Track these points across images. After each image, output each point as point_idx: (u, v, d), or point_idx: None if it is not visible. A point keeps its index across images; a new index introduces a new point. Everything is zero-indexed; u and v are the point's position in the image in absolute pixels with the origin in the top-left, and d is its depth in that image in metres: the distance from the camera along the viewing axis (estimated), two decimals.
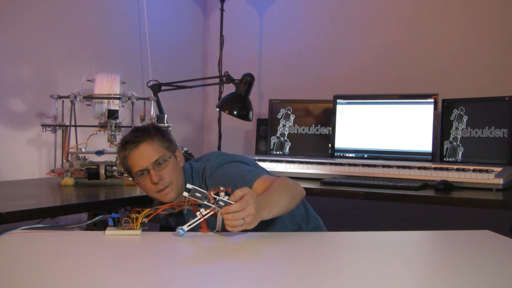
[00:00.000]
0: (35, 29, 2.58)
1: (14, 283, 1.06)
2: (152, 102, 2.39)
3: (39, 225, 1.50)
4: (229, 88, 2.76)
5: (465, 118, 2.46)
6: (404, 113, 2.55)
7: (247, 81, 2.55)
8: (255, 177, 1.68)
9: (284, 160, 2.56)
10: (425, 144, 2.48)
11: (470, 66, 2.81)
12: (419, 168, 2.26)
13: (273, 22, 3.41)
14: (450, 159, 2.48)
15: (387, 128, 2.58)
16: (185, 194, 1.40)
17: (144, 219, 1.45)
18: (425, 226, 2.87)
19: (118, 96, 2.32)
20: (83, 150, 2.33)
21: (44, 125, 2.33)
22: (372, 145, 2.61)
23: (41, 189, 2.25)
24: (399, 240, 1.53)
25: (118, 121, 2.32)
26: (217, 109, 2.80)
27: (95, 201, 1.93)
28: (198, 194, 1.39)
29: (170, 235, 1.46)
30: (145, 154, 1.69)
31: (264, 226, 1.58)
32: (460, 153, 2.46)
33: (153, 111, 2.39)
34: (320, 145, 2.83)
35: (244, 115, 2.57)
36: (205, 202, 1.38)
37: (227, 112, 2.57)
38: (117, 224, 1.47)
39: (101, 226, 2.11)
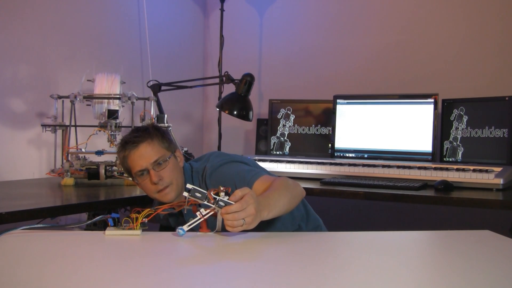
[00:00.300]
0: (35, 29, 2.58)
1: (14, 283, 1.06)
2: (152, 102, 2.39)
3: (39, 225, 1.50)
4: (229, 88, 2.76)
5: (465, 118, 2.46)
6: (404, 113, 2.55)
7: (247, 81, 2.55)
8: (255, 177, 1.68)
9: (284, 160, 2.56)
10: (425, 144, 2.48)
11: (470, 66, 2.81)
12: (419, 168, 2.26)
13: (273, 22, 3.41)
14: (450, 159, 2.48)
15: (387, 128, 2.58)
16: (185, 194, 1.40)
17: (144, 219, 1.45)
18: (425, 226, 2.87)
19: (118, 96, 2.32)
20: (83, 150, 2.33)
21: (44, 125, 2.33)
22: (372, 145, 2.61)
23: (41, 189, 2.25)
24: (399, 240, 1.53)
25: (118, 121, 2.32)
26: (217, 109, 2.80)
27: (95, 201, 1.93)
28: (198, 194, 1.39)
29: (170, 235, 1.46)
30: (145, 154, 1.69)
31: (264, 226, 1.58)
32: (460, 153, 2.46)
33: (153, 111, 2.39)
34: (320, 145, 2.83)
35: (244, 115, 2.57)
36: (205, 202, 1.38)
37: (227, 112, 2.57)
38: (117, 224, 1.47)
39: (101, 226, 2.11)
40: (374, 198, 2.12)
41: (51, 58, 2.67)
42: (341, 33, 3.18)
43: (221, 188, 1.39)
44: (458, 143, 2.47)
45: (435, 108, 2.47)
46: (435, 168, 2.23)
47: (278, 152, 2.92)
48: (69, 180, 2.25)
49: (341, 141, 2.68)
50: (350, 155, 2.65)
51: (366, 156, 2.60)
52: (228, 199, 1.36)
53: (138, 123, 2.34)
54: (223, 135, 3.25)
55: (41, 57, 2.62)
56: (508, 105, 2.33)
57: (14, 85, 2.52)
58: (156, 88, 2.62)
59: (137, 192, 2.10)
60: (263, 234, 1.49)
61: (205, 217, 1.42)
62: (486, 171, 2.13)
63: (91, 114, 2.38)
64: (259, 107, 3.40)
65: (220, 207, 1.36)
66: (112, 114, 2.30)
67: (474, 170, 2.15)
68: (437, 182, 2.12)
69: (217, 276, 1.13)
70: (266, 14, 3.42)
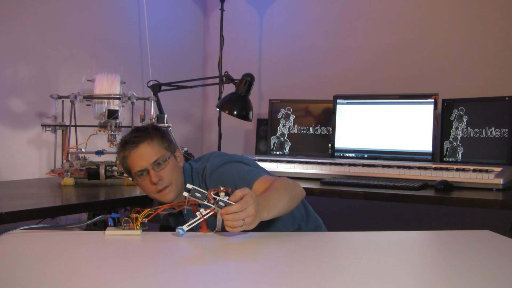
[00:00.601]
0: (35, 29, 2.58)
1: (14, 283, 1.06)
2: (152, 102, 2.39)
3: (39, 225, 1.50)
4: (229, 88, 2.76)
5: (465, 118, 2.46)
6: (404, 113, 2.55)
7: (247, 81, 2.55)
8: (255, 177, 1.68)
9: (284, 160, 2.56)
10: (425, 144, 2.47)
11: (470, 66, 2.81)
12: (419, 168, 2.26)
13: (273, 22, 3.41)
14: (450, 159, 2.48)
15: (387, 128, 2.58)
16: (185, 194, 1.40)
17: (144, 219, 1.45)
18: (425, 226, 2.87)
19: (118, 96, 2.32)
20: (83, 150, 2.33)
21: (44, 125, 2.33)
22: (372, 145, 2.61)
23: (41, 189, 2.25)
24: (399, 240, 1.53)
25: (118, 121, 2.32)
26: (217, 109, 2.80)
27: (95, 201, 1.93)
28: (198, 194, 1.39)
29: (170, 235, 1.46)
30: (145, 155, 1.69)
31: (264, 226, 1.58)
32: (460, 153, 2.46)
33: (153, 111, 2.39)
34: (320, 145, 2.83)
35: (244, 115, 2.57)
36: (205, 202, 1.38)
37: (227, 112, 2.57)
38: (117, 224, 1.47)
39: (101, 226, 2.11)
40: (374, 198, 2.12)
41: (51, 58, 2.67)
42: (341, 33, 3.18)
43: (221, 188, 1.39)
44: (458, 143, 2.47)
45: (435, 108, 2.47)
46: (435, 168, 2.23)
47: (278, 152, 2.92)
48: (69, 180, 2.25)
49: (341, 141, 2.68)
50: (350, 155, 2.65)
51: (366, 156, 2.60)
52: (228, 199, 1.36)
53: (138, 123, 2.34)
54: (223, 135, 3.25)
55: (41, 57, 2.62)
56: (508, 105, 2.33)
57: (14, 85, 2.52)
58: (156, 88, 2.62)
59: (137, 192, 2.10)
60: (263, 234, 1.49)
61: (205, 217, 1.42)
62: (486, 171, 2.13)
63: (91, 114, 2.38)
64: (259, 107, 3.40)
65: (220, 207, 1.36)
66: (112, 114, 2.30)
67: (474, 170, 2.15)
68: (437, 182, 2.12)
69: (217, 276, 1.13)
70: (266, 14, 3.42)
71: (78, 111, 2.39)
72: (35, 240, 1.40)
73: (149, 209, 1.46)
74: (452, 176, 2.16)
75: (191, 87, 2.79)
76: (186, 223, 1.43)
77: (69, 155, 2.30)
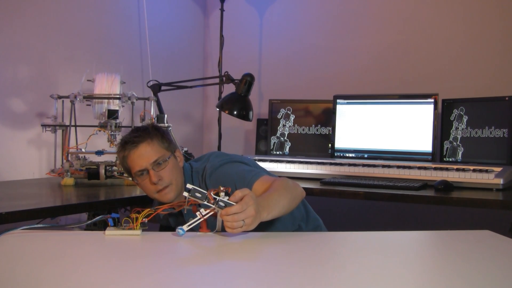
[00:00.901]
0: (35, 29, 2.58)
1: (14, 283, 1.06)
2: (152, 102, 2.39)
3: (39, 225, 1.50)
4: (229, 88, 2.76)
5: (465, 118, 2.46)
6: (404, 113, 2.55)
7: (247, 81, 2.55)
8: (255, 177, 1.68)
9: (284, 160, 2.56)
10: (425, 144, 2.47)
11: (470, 66, 2.81)
12: (419, 168, 2.26)
13: (273, 22, 3.41)
14: (450, 159, 2.48)
15: (387, 128, 2.58)
16: (185, 194, 1.40)
17: (144, 219, 1.45)
18: (425, 226, 2.87)
19: (118, 96, 2.32)
20: (83, 150, 2.33)
21: (44, 125, 2.33)
22: (372, 145, 2.61)
23: (41, 189, 2.25)
24: (399, 240, 1.53)
25: (118, 121, 2.32)
26: (217, 109, 2.80)
27: (95, 201, 1.93)
28: (198, 194, 1.39)
29: (170, 235, 1.46)
30: (145, 155, 1.69)
31: (264, 226, 1.58)
32: (460, 153, 2.46)
33: (153, 111, 2.39)
34: (320, 145, 2.83)
35: (244, 115, 2.57)
36: (205, 202, 1.38)
37: (227, 112, 2.57)
38: (117, 224, 1.47)
39: (101, 226, 2.11)
40: (374, 198, 2.12)
41: (51, 58, 2.67)
42: (341, 33, 3.18)
43: (221, 188, 1.39)
44: (458, 143, 2.47)
45: (435, 108, 2.47)
46: (435, 168, 2.23)
47: (278, 152, 2.92)
48: (69, 180, 2.25)
49: (341, 141, 2.68)
50: (350, 155, 2.65)
51: (366, 156, 2.60)
52: (228, 200, 1.36)
53: (138, 123, 2.34)
54: (223, 135, 3.25)
55: (41, 57, 2.62)
56: (508, 105, 2.33)
57: (14, 85, 2.52)
58: (156, 88, 2.62)
59: (137, 192, 2.10)
60: (263, 234, 1.49)
61: (205, 217, 1.42)
62: (486, 171, 2.13)
63: (91, 114, 2.38)
64: (259, 107, 3.40)
65: (220, 207, 1.36)
66: (112, 114, 2.30)
67: (474, 170, 2.15)
68: (437, 182, 2.12)
69: (217, 276, 1.13)
70: (266, 14, 3.42)
71: (78, 111, 2.39)
72: (35, 240, 1.40)
73: (149, 209, 1.46)
74: (452, 176, 2.16)
75: (191, 87, 2.79)
76: (186, 223, 1.43)
77: (69, 155, 2.30)
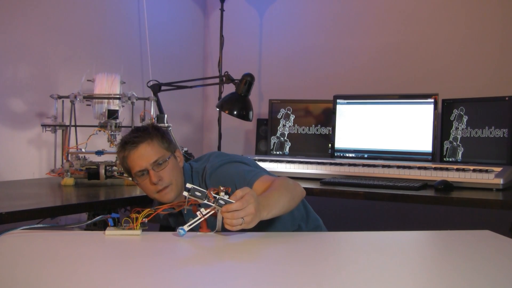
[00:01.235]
0: (35, 29, 2.58)
1: (14, 283, 1.06)
2: (152, 102, 2.39)
3: (39, 225, 1.50)
4: (229, 88, 2.76)
5: (465, 118, 2.46)
6: (404, 113, 2.55)
7: (247, 81, 2.55)
8: (255, 177, 1.68)
9: (284, 160, 2.56)
10: (425, 144, 2.47)
11: (470, 66, 2.81)
12: (419, 168, 2.26)
13: (273, 22, 3.41)
14: (450, 159, 2.48)
15: (387, 128, 2.58)
16: (185, 193, 1.40)
17: (144, 219, 1.45)
18: (425, 226, 2.87)
19: (118, 96, 2.32)
20: (83, 150, 2.33)
21: (44, 125, 2.33)
22: (372, 145, 2.61)
23: (41, 189, 2.25)
24: (399, 240, 1.53)
25: (118, 121, 2.32)
26: (217, 109, 2.80)
27: (95, 201, 1.93)
28: (198, 193, 1.39)
29: (170, 235, 1.46)
30: (145, 155, 1.69)
31: (264, 226, 1.58)
32: (460, 153, 2.46)
33: (153, 111, 2.39)
34: (320, 145, 2.83)
35: (244, 115, 2.57)
36: (205, 201, 1.38)
37: (227, 112, 2.57)
38: (117, 224, 1.47)
39: (101, 226, 2.11)
40: (374, 198, 2.12)
41: (51, 58, 2.67)
42: (341, 33, 3.18)
43: (221, 188, 1.39)
44: (458, 143, 2.47)
45: (435, 108, 2.47)
46: (435, 168, 2.23)
47: (278, 152, 2.92)
48: (69, 180, 2.25)
49: (341, 141, 2.68)
50: (350, 155, 2.65)
51: (366, 156, 2.60)
52: (228, 199, 1.36)
53: (138, 123, 2.34)
54: (223, 135, 3.25)
55: (41, 57, 2.62)
56: (508, 105, 2.33)
57: (14, 85, 2.52)
58: (156, 88, 2.62)
59: (137, 192, 2.10)
60: (263, 234, 1.49)
61: (205, 216, 1.42)
62: (486, 171, 2.13)
63: (91, 114, 2.38)
64: (259, 107, 3.40)
65: (220, 206, 1.36)
66: (112, 114, 2.30)
67: (474, 170, 2.15)
68: (437, 182, 2.12)
69: (217, 276, 1.13)
70: (266, 14, 3.42)
71: (78, 111, 2.39)
72: (35, 240, 1.40)
73: (149, 209, 1.46)
74: (452, 176, 2.16)
75: (191, 87, 2.79)
76: (186, 223, 1.43)
77: (69, 155, 2.30)
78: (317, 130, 2.86)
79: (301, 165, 2.49)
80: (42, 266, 1.18)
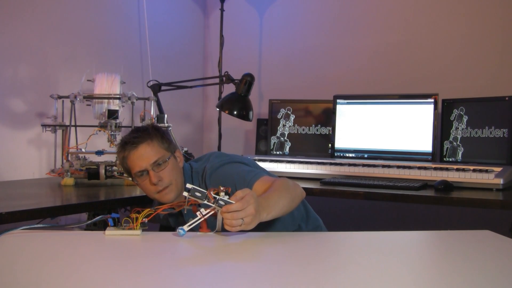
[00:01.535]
0: (35, 29, 2.58)
1: (14, 283, 1.06)
2: (152, 102, 2.39)
3: (39, 225, 1.50)
4: (229, 88, 2.76)
5: (465, 118, 2.46)
6: (404, 113, 2.55)
7: (247, 81, 2.55)
8: (255, 178, 1.68)
9: (284, 160, 2.56)
10: (425, 144, 2.47)
11: (470, 66, 2.81)
12: (419, 168, 2.26)
13: (273, 22, 3.41)
14: (450, 159, 2.48)
15: (387, 128, 2.58)
16: (185, 194, 1.40)
17: (144, 219, 1.45)
18: (425, 226, 2.87)
19: (118, 96, 2.32)
20: (83, 150, 2.33)
21: (44, 125, 2.33)
22: (372, 145, 2.61)
23: (41, 189, 2.25)
24: (399, 240, 1.53)
25: (118, 121, 2.32)
26: (217, 109, 2.80)
27: (95, 201, 1.93)
28: (198, 194, 1.39)
29: (170, 235, 1.46)
30: (144, 155, 1.69)
31: (264, 226, 1.58)
32: (460, 153, 2.46)
33: (153, 111, 2.39)
34: (320, 145, 2.83)
35: (244, 115, 2.57)
36: (205, 202, 1.38)
37: (227, 112, 2.57)
38: (117, 224, 1.47)
39: (101, 226, 2.11)
40: (374, 198, 2.12)
41: (51, 58, 2.67)
42: (341, 33, 3.18)
43: (221, 188, 1.39)
44: (458, 143, 2.47)
45: (435, 108, 2.47)
46: (435, 168, 2.23)
47: (278, 152, 2.92)
48: (69, 180, 2.25)
49: (341, 141, 2.68)
50: (350, 155, 2.65)
51: (366, 156, 2.60)
52: (228, 199, 1.36)
53: (138, 123, 2.34)
54: (223, 135, 3.25)
55: (41, 57, 2.62)
56: (508, 105, 2.33)
57: (14, 85, 2.52)
58: (156, 88, 2.62)
59: (137, 192, 2.10)
60: (263, 234, 1.49)
61: (205, 217, 1.42)
62: (486, 171, 2.13)
63: (91, 114, 2.38)
64: (259, 107, 3.40)
65: (220, 206, 1.36)
66: (112, 114, 2.30)
67: (474, 170, 2.15)
68: (437, 182, 2.12)
69: (217, 276, 1.13)
70: (266, 14, 3.42)
71: (78, 111, 2.39)
72: (35, 240, 1.40)
73: (149, 209, 1.46)
74: (452, 176, 2.16)
75: (191, 87, 2.79)
76: (186, 223, 1.43)
77: (69, 155, 2.30)
78: (317, 130, 2.86)
79: (301, 165, 2.49)
80: (42, 266, 1.18)
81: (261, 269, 1.17)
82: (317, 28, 3.26)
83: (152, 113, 2.37)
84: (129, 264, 1.21)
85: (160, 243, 1.41)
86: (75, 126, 2.37)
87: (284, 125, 2.92)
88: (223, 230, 1.40)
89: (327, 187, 2.21)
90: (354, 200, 2.58)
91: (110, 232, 1.44)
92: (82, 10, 2.81)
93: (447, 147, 2.50)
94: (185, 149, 2.57)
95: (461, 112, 2.47)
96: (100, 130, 2.32)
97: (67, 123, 2.35)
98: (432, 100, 2.48)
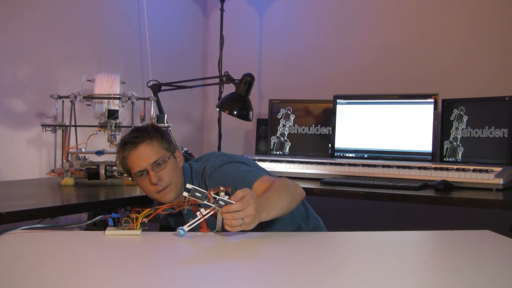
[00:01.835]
0: (35, 29, 2.58)
1: (14, 283, 1.06)
2: (152, 102, 2.39)
3: (39, 225, 1.50)
4: (229, 88, 2.76)
5: (465, 118, 2.46)
6: (404, 113, 2.55)
7: (247, 81, 2.55)
8: (255, 178, 1.68)
9: (284, 160, 2.56)
10: (425, 144, 2.47)
11: (470, 66, 2.81)
12: (419, 168, 2.26)
13: (273, 22, 3.41)
14: (450, 159, 2.48)
15: (387, 128, 2.58)
16: (185, 194, 1.40)
17: (144, 219, 1.45)
18: (425, 226, 2.87)
19: (118, 96, 2.32)
20: (83, 150, 2.33)
21: (44, 125, 2.33)
22: (372, 145, 2.61)
23: (41, 189, 2.25)
24: (399, 240, 1.53)
25: (118, 121, 2.32)
26: (217, 109, 2.80)
27: (95, 201, 1.93)
28: (198, 194, 1.39)
29: (170, 235, 1.46)
30: (144, 155, 1.69)
31: (264, 226, 1.58)
32: (460, 153, 2.46)
33: (153, 111, 2.39)
34: (320, 145, 2.83)
35: (244, 115, 2.57)
36: (205, 202, 1.38)
37: (227, 112, 2.57)
38: (117, 224, 1.47)
39: (101, 226, 2.11)
40: (374, 198, 2.12)
41: (51, 58, 2.67)
42: (341, 33, 3.18)
43: (221, 188, 1.39)
44: (458, 143, 2.47)
45: (435, 108, 2.47)
46: (435, 168, 2.23)
47: (278, 152, 2.92)
48: (69, 180, 2.25)
49: (341, 141, 2.68)
50: (350, 155, 2.65)
51: (366, 156, 2.60)
52: (228, 199, 1.36)
53: (138, 123, 2.34)
54: (223, 135, 3.25)
55: (41, 57, 2.62)
56: (508, 105, 2.33)
57: (14, 85, 2.52)
58: (156, 88, 2.62)
59: (137, 192, 2.10)
60: (263, 234, 1.49)
61: (205, 217, 1.42)
62: (486, 171, 2.13)
63: (91, 114, 2.38)
64: (259, 107, 3.40)
65: (220, 206, 1.36)
66: (112, 114, 2.30)
67: (474, 170, 2.15)
68: (437, 182, 2.12)
69: (217, 276, 1.13)
70: (266, 14, 3.42)
71: (78, 111, 2.39)
72: (35, 240, 1.40)
73: (149, 209, 1.46)
74: (452, 176, 2.16)
75: (191, 87, 2.79)
76: (186, 223, 1.43)
77: (69, 155, 2.30)
78: (317, 130, 2.86)
79: (301, 165, 2.49)
80: (42, 266, 1.18)
81: (261, 269, 1.17)
82: (317, 28, 3.26)
83: (152, 113, 2.37)
84: (129, 264, 1.21)
85: (160, 243, 1.41)
86: (75, 126, 2.37)
87: (284, 125, 2.92)
88: (223, 230, 1.40)
89: (327, 187, 2.21)
90: (354, 200, 2.58)
91: (110, 232, 1.44)
92: (82, 10, 2.81)
93: (447, 147, 2.50)
94: (185, 149, 2.57)
95: (461, 112, 2.47)
96: (100, 130, 2.32)
97: (67, 123, 2.35)
98: (432, 100, 2.48)
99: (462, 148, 2.45)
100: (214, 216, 1.42)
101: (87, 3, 2.84)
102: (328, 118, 2.81)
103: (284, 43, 3.37)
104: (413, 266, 1.27)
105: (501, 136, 2.33)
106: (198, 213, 1.42)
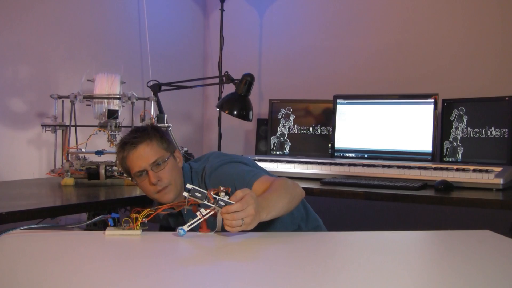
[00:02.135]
0: (35, 29, 2.58)
1: (14, 283, 1.06)
2: (152, 102, 2.39)
3: (39, 225, 1.50)
4: (229, 88, 2.76)
5: (465, 118, 2.46)
6: (404, 113, 2.55)
7: (247, 81, 2.55)
8: (255, 177, 1.68)
9: (284, 160, 2.56)
10: (425, 144, 2.47)
11: (470, 66, 2.81)
12: (419, 168, 2.26)
13: (273, 22, 3.41)
14: (450, 159, 2.48)
15: (387, 128, 2.58)
16: (185, 194, 1.40)
17: (144, 219, 1.45)
18: (425, 226, 2.87)
19: (118, 96, 2.32)
20: (83, 150, 2.33)
21: (44, 125, 2.33)
22: (372, 145, 2.61)
23: (41, 189, 2.25)
24: (399, 240, 1.53)
25: (118, 121, 2.32)
26: (217, 109, 2.80)
27: (95, 201, 1.93)
28: (198, 194, 1.39)
29: (170, 235, 1.46)
30: (144, 155, 1.69)
31: (264, 226, 1.58)
32: (460, 153, 2.46)
33: (153, 111, 2.39)
34: (320, 145, 2.83)
35: (244, 115, 2.57)
36: (205, 202, 1.38)
37: (227, 112, 2.57)
38: (117, 224, 1.47)
39: (101, 226, 2.11)
40: (374, 198, 2.12)
41: (51, 58, 2.67)
42: (341, 33, 3.18)
43: (221, 188, 1.39)
44: (458, 143, 2.47)
45: (435, 108, 2.47)
46: (435, 168, 2.23)
47: (278, 152, 2.92)
48: (69, 180, 2.25)
49: (341, 141, 2.68)
50: (350, 155, 2.65)
51: (366, 156, 2.60)
52: (228, 199, 1.36)
53: (138, 123, 2.34)
54: (223, 135, 3.25)
55: (41, 57, 2.62)
56: (508, 105, 2.33)
57: (14, 85, 2.52)
58: (156, 88, 2.62)
59: (137, 192, 2.10)
60: (263, 234, 1.49)
61: (205, 217, 1.42)
62: (486, 171, 2.13)
63: (91, 114, 2.38)
64: (259, 107, 3.40)
65: (220, 206, 1.36)
66: (112, 114, 2.30)
67: (474, 170, 2.15)
68: (437, 182, 2.12)
69: (217, 276, 1.13)
70: (266, 14, 3.42)
71: (78, 111, 2.39)
72: (35, 240, 1.40)
73: (149, 209, 1.46)
74: (452, 176, 2.16)
75: (191, 87, 2.79)
76: (186, 223, 1.43)
77: (69, 155, 2.30)
78: (317, 130, 2.86)
79: (301, 165, 2.49)
80: (42, 266, 1.18)
81: (261, 269, 1.17)
82: (317, 28, 3.26)
83: (152, 113, 2.37)
84: (129, 264, 1.21)
85: (160, 243, 1.41)
86: (75, 126, 2.37)
87: (284, 125, 2.92)
88: (223, 230, 1.40)
89: (327, 187, 2.21)
90: (354, 200, 2.58)
91: (110, 232, 1.44)
92: (82, 10, 2.81)
93: (447, 147, 2.50)
94: (185, 149, 2.57)
95: (461, 112, 2.47)
96: (100, 130, 2.32)
97: (67, 123, 2.35)
98: (432, 100, 2.48)
99: (462, 148, 2.45)
100: (214, 216, 1.42)
101: (87, 3, 2.84)
102: (328, 118, 2.81)
103: (284, 43, 3.37)
104: (413, 266, 1.27)
105: (501, 136, 2.33)
106: (198, 213, 1.42)
